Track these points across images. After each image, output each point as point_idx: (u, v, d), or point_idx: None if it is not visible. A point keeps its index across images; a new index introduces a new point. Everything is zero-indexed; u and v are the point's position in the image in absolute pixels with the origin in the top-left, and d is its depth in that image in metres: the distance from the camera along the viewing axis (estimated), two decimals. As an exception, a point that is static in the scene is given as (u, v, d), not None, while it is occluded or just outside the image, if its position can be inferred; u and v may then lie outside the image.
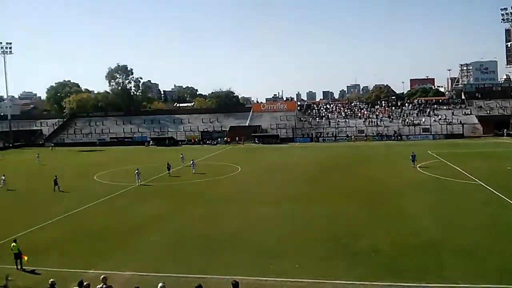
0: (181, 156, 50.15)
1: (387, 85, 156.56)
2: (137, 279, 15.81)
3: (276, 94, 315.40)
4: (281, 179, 38.50)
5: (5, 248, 19.40)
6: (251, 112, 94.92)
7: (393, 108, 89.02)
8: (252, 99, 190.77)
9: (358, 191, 31.87)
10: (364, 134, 78.13)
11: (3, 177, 38.54)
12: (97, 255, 19.37)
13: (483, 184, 32.03)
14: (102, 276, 13.23)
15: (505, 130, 74.25)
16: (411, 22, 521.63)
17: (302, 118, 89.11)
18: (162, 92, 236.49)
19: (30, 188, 38.66)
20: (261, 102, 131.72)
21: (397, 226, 22.31)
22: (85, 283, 12.39)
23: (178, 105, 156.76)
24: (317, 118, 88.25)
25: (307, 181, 36.85)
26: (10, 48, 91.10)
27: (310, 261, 17.83)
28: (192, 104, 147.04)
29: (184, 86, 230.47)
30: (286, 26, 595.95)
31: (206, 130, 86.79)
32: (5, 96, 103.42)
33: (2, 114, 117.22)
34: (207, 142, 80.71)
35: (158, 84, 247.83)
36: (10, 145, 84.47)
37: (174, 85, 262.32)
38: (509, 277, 15.36)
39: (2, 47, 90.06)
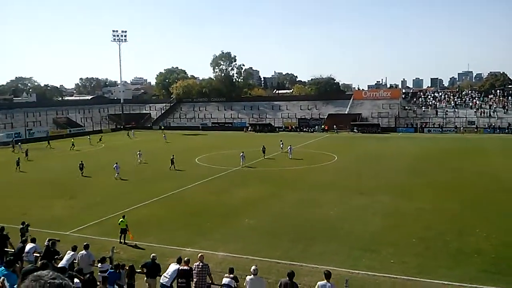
0: (281, 142, 50.87)
1: (503, 72, 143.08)
2: (231, 260, 16.41)
3: (379, 81, 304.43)
4: (380, 170, 37.17)
5: (111, 223, 21.28)
6: (351, 100, 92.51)
7: (509, 98, 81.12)
8: (353, 86, 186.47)
9: (464, 187, 29.82)
10: (474, 126, 72.32)
11: (139, 152, 44.20)
12: (195, 234, 20.44)
13: None
14: (199, 255, 13.85)
15: None
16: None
17: (406, 107, 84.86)
18: (262, 79, 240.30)
19: (154, 164, 42.41)
20: (362, 89, 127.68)
21: (506, 228, 20.52)
22: (184, 258, 13.01)
23: (277, 91, 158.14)
24: (423, 107, 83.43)
25: (408, 173, 35.22)
26: (125, 36, 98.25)
27: (406, 257, 17.17)
28: (291, 91, 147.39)
29: (284, 73, 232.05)
30: (391, 10, 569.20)
31: (303, 117, 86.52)
32: (118, 81, 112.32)
33: (115, 98, 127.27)
34: (304, 129, 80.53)
35: (258, 71, 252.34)
36: (122, 127, 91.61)
37: (274, 71, 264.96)
38: None
39: (118, 35, 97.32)
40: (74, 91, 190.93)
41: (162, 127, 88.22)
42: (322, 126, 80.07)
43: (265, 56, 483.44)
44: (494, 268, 15.88)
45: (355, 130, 76.04)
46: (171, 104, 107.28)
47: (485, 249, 17.80)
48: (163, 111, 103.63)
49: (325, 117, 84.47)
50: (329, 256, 17.23)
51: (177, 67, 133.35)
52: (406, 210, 24.20)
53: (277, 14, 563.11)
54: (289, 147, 46.04)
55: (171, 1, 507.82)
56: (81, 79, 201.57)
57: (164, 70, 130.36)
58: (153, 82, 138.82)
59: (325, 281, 11.24)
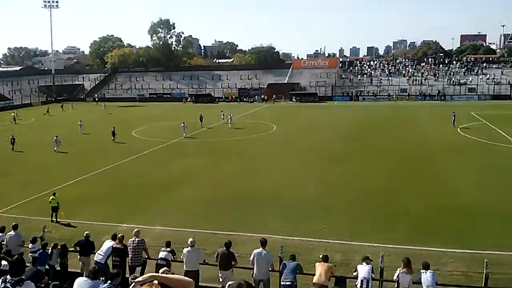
0: (222, 112, 50.99)
1: (435, 41, 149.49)
2: (169, 233, 16.39)
3: (318, 50, 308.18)
4: (317, 138, 38.24)
5: (43, 201, 20.50)
6: (290, 69, 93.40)
7: (440, 66, 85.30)
8: (293, 55, 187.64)
9: (396, 152, 31.46)
10: (406, 94, 75.67)
11: (80, 122, 44.42)
12: (131, 209, 20.19)
13: (527, 149, 30.73)
14: (135, 230, 13.69)
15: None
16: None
17: (343, 76, 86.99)
18: (203, 48, 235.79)
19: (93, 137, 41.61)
20: (301, 59, 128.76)
21: (432, 188, 22.09)
22: (118, 235, 12.86)
23: (217, 61, 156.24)
24: (358, 76, 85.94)
25: (343, 140, 36.48)
26: (57, 2, 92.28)
27: (340, 222, 17.98)
28: (231, 60, 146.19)
29: (224, 42, 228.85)
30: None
31: (244, 87, 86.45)
32: (50, 51, 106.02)
33: (46, 68, 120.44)
34: (244, 99, 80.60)
35: (198, 39, 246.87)
36: (53, 99, 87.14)
37: (215, 40, 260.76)
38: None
39: (49, 1, 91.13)
40: (2, 62, 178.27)
41: (97, 99, 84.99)
42: (262, 96, 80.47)
43: (206, 24, 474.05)
44: (423, 229, 16.97)
45: (293, 100, 77.14)
46: (106, 74, 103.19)
47: (415, 210, 18.95)
48: (97, 82, 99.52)
49: (265, 86, 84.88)
50: (266, 224, 17.64)
51: (113, 35, 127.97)
52: (341, 175, 25.21)
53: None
54: (230, 116, 46.53)
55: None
56: (9, 48, 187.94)
57: (99, 38, 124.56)
58: (86, 51, 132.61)
59: (261, 248, 11.51)
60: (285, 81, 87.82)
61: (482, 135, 36.76)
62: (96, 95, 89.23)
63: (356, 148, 33.15)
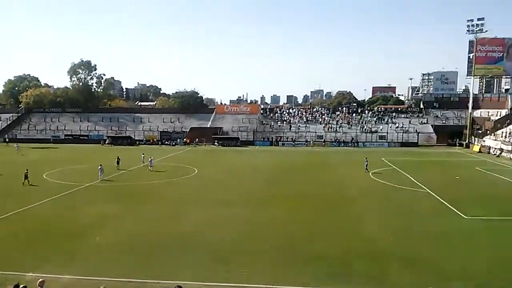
0: (143, 155, 49.91)
1: (349, 91, 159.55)
2: (77, 283, 15.37)
3: (240, 96, 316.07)
4: (238, 182, 38.48)
5: None
6: (213, 114, 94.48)
7: (353, 114, 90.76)
8: (216, 101, 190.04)
9: (313, 196, 32.27)
10: (323, 140, 79.24)
11: None
12: (38, 257, 18.71)
13: (432, 193, 33.01)
14: (39, 280, 12.72)
15: (457, 140, 77.06)
16: (376, 31, 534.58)
17: (264, 122, 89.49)
18: (125, 90, 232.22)
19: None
20: (224, 104, 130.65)
21: (348, 233, 22.65)
22: (21, 286, 11.90)
23: (139, 103, 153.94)
24: (278, 122, 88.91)
25: (263, 185, 37.02)
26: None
27: (260, 267, 17.86)
28: (154, 103, 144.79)
29: (148, 85, 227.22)
30: (253, 30, 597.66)
31: (166, 130, 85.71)
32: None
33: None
34: (166, 142, 79.68)
35: (121, 82, 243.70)
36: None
37: (138, 83, 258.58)
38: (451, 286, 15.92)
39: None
40: None
41: (7, 140, 79.69)
42: (184, 140, 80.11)
43: (129, 66, 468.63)
44: (340, 271, 17.37)
45: (216, 144, 77.61)
46: (19, 114, 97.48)
47: (332, 254, 19.36)
48: (9, 122, 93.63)
49: (188, 130, 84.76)
50: (184, 270, 17.10)
51: (29, 75, 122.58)
52: (262, 220, 25.27)
53: (141, 23, 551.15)
54: (150, 159, 45.52)
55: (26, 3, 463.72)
56: None
57: (14, 77, 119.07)
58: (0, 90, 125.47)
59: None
60: (208, 125, 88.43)
61: (393, 180, 39.11)
62: (6, 136, 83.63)
63: (277, 192, 33.71)
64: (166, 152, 63.32)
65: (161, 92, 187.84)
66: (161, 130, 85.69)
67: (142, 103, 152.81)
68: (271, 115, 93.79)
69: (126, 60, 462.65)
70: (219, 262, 18.25)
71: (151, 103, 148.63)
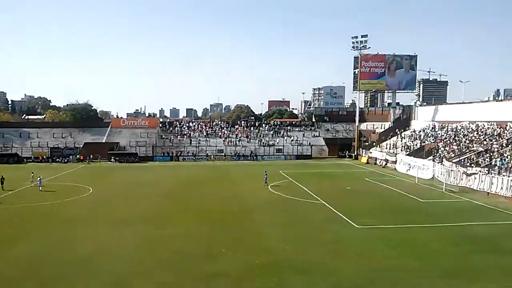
0: (32, 174, 46.10)
1: (247, 105, 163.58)
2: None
3: (138, 109, 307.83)
4: (136, 200, 37.51)
5: None
6: (109, 128, 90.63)
7: (251, 128, 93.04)
8: (112, 114, 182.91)
9: (213, 211, 32.64)
10: (223, 154, 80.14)
11: None
12: None
13: (325, 203, 35.19)
14: None
15: (346, 152, 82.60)
16: (271, 46, 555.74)
17: (163, 136, 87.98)
18: (10, 102, 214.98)
19: None
20: (121, 117, 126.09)
21: (247, 246, 23.29)
22: None
23: (27, 117, 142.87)
24: (178, 136, 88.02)
25: (163, 201, 36.56)
26: None
27: (154, 286, 17.72)
28: (43, 116, 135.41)
29: (36, 96, 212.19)
30: (150, 42, 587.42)
31: (56, 146, 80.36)
32: None
33: None
34: (57, 160, 74.77)
35: (5, 93, 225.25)
36: None
37: (25, 94, 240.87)
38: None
39: None
40: None
41: None
42: (78, 156, 75.85)
43: (15, 76, 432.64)
44: (238, 286, 17.77)
45: (112, 160, 74.68)
46: None
47: (230, 269, 19.75)
48: None
49: (81, 146, 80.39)
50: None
51: None
52: (161, 237, 24.98)
53: (30, 28, 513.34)
54: (39, 179, 42.48)
55: None
56: None
57: None
58: None
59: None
60: (103, 140, 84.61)
61: (290, 192, 40.94)
62: None
63: (177, 208, 33.60)
64: (57, 170, 59.51)
65: (51, 104, 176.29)
66: (52, 146, 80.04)
67: (30, 117, 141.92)
68: (171, 129, 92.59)
69: (10, 69, 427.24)
70: (115, 286, 17.78)
71: (40, 117, 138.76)
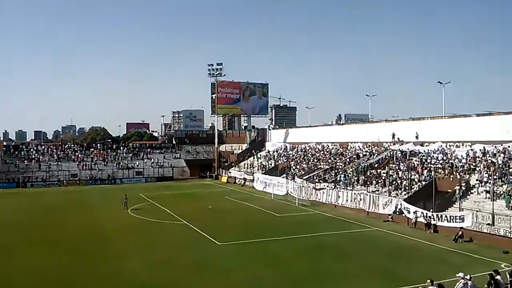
0: None
1: (103, 127, 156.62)
2: None
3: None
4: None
5: None
6: None
7: (109, 151, 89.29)
8: None
9: (69, 239, 30.60)
10: (77, 178, 75.45)
11: None
12: None
13: (188, 224, 35.54)
14: None
15: (207, 172, 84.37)
16: (130, 69, 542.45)
17: (8, 161, 79.44)
18: None
19: None
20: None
21: (107, 273, 22.36)
22: None
23: None
24: (25, 161, 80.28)
25: (6, 232, 33.13)
26: None
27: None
28: None
29: None
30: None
31: None
32: None
33: None
34: None
35: None
36: None
37: None
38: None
39: None
40: None
41: None
42: None
43: None
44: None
45: None
46: None
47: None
48: None
49: None
50: None
51: None
52: (8, 273, 22.68)
53: None
54: None
55: None
56: None
57: None
58: None
59: None
60: None
61: (152, 215, 40.38)
62: None
63: (22, 239, 30.65)
64: None
65: None
66: None
67: None
68: (17, 153, 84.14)
69: None
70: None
71: None
